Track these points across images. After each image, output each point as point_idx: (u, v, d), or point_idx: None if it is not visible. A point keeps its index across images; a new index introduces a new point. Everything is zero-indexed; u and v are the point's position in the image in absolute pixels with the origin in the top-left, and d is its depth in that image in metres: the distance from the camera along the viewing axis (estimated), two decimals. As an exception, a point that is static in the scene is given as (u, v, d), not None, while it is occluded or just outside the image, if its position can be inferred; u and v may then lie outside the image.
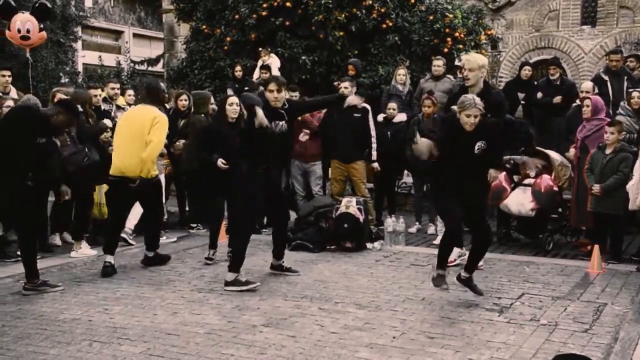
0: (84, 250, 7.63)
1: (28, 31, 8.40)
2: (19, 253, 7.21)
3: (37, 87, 9.94)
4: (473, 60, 6.66)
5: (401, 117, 9.31)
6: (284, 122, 6.38)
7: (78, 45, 18.74)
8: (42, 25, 8.75)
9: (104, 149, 7.85)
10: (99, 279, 6.61)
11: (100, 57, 18.92)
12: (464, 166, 5.61)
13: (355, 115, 8.43)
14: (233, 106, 7.41)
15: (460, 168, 5.61)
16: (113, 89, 9.07)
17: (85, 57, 19.66)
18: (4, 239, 7.38)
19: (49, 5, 9.57)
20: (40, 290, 6.02)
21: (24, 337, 4.86)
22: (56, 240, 8.13)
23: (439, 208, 6.36)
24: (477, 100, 5.54)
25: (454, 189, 5.67)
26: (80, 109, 7.59)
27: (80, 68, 18.98)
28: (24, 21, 8.32)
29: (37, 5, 9.25)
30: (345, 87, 8.38)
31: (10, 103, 7.64)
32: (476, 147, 5.57)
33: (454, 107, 5.68)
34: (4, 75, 8.39)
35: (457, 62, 11.12)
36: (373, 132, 8.68)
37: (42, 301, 5.80)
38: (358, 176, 8.55)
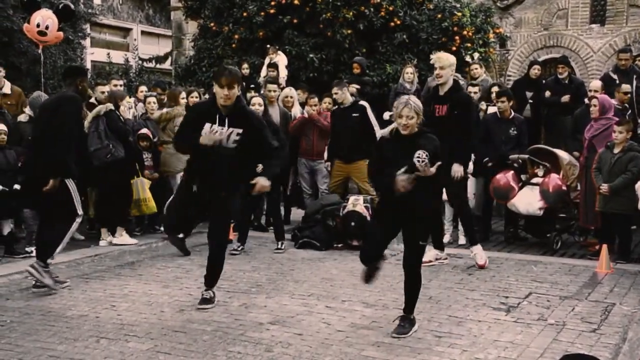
0: (125, 239, 7.88)
1: (47, 27, 8.42)
2: (27, 250, 7.26)
3: (46, 84, 9.93)
4: (444, 59, 6.86)
5: None
6: (238, 129, 5.24)
7: (87, 42, 18.75)
8: (61, 25, 8.78)
9: (133, 147, 8.14)
10: (107, 275, 6.63)
11: (108, 54, 18.95)
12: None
13: (353, 115, 8.34)
14: (255, 106, 7.53)
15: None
16: (116, 85, 9.09)
17: (93, 55, 19.68)
18: (13, 235, 7.41)
19: (73, 7, 9.57)
20: (46, 273, 5.98)
21: (32, 333, 4.88)
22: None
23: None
24: (413, 100, 4.90)
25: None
26: (113, 107, 7.74)
27: (88, 65, 18.99)
28: (45, 17, 8.35)
29: (61, 6, 9.26)
30: (335, 93, 8.32)
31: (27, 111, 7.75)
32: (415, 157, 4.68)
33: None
34: None
35: (467, 59, 11.08)
36: (377, 128, 8.54)
37: (50, 297, 5.82)
38: (359, 175, 8.37)
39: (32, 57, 13.59)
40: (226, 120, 5.22)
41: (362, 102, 8.52)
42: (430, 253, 7.08)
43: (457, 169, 6.83)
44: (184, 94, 9.05)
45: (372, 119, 8.50)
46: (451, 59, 6.94)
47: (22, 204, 7.08)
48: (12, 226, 7.59)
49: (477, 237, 7.23)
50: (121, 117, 7.96)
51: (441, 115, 6.80)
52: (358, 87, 9.74)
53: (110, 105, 7.83)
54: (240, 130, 5.22)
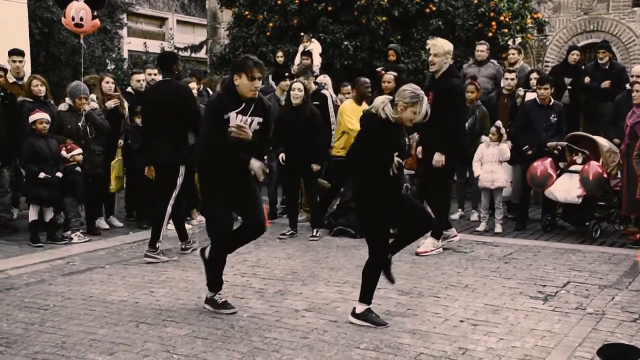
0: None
1: (81, 19, 8.56)
2: (65, 235, 7.43)
3: (84, 74, 10.09)
4: (439, 46, 6.78)
5: None
6: (259, 118, 5.11)
7: (124, 32, 19.00)
8: (95, 13, 8.90)
9: None
10: (144, 262, 6.73)
11: (145, 43, 19.15)
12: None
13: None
14: (295, 91, 7.60)
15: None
16: (150, 74, 9.16)
17: (130, 44, 19.92)
18: (54, 222, 7.57)
19: None
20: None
21: (74, 317, 4.99)
22: (102, 223, 8.30)
23: (378, 235, 4.95)
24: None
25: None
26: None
27: (125, 55, 19.25)
28: (78, 9, 8.50)
29: None
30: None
31: (95, 105, 7.91)
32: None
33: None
34: (14, 61, 8.53)
35: (509, 43, 10.90)
36: (333, 119, 8.61)
37: (91, 283, 5.95)
38: None
39: (72, 47, 13.83)
40: (250, 110, 5.07)
41: (324, 92, 8.68)
42: (427, 242, 7.01)
43: (437, 159, 6.78)
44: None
45: (331, 109, 8.61)
46: (446, 46, 6.82)
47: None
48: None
49: (441, 232, 7.09)
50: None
51: (430, 103, 6.73)
52: (395, 74, 9.69)
53: None
54: (261, 119, 5.11)
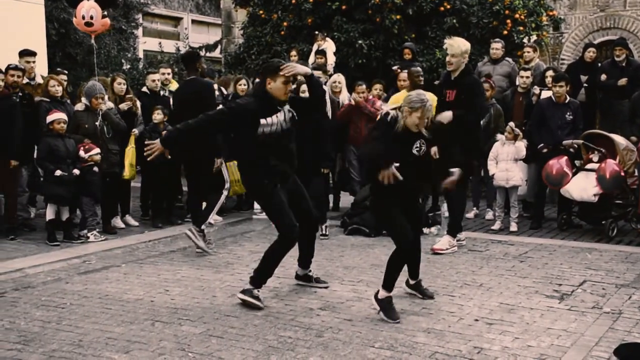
0: (216, 217, 8.17)
1: (92, 18, 8.63)
2: (81, 234, 7.50)
3: (100, 74, 10.17)
4: (457, 46, 6.77)
5: None
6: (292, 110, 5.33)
7: (139, 32, 19.12)
8: (105, 13, 8.96)
9: None
10: (160, 260, 6.77)
11: (160, 43, 19.26)
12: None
13: None
14: (305, 93, 7.60)
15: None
16: (163, 74, 9.22)
17: (145, 44, 20.04)
18: (71, 221, 7.64)
19: None
20: (201, 236, 6.93)
21: (91, 315, 5.03)
22: (118, 222, 8.36)
23: (392, 226, 5.09)
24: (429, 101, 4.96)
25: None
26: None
27: (141, 54, 19.36)
28: (88, 8, 8.55)
29: None
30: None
31: (111, 104, 7.98)
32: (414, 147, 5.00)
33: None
34: (28, 62, 8.61)
35: (524, 40, 10.84)
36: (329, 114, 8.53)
37: (107, 281, 5.99)
38: None
39: (88, 47, 13.94)
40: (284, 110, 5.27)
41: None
42: (443, 240, 7.07)
43: (452, 178, 6.72)
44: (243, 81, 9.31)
45: (328, 104, 8.47)
46: (464, 46, 6.81)
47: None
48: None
49: (457, 230, 7.16)
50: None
51: (450, 101, 6.76)
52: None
53: None
54: (293, 111, 5.29)
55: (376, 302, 5.03)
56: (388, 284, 5.03)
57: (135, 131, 8.27)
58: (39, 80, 8.75)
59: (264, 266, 5.34)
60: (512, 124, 8.20)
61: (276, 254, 5.31)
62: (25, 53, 8.64)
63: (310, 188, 8.24)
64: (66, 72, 9.30)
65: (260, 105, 5.16)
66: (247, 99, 5.61)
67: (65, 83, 8.62)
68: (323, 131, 7.81)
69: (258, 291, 5.27)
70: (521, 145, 8.09)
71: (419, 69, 8.55)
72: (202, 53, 20.17)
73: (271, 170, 5.22)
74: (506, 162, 8.12)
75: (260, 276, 5.33)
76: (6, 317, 5.01)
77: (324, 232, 7.83)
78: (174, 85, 9.64)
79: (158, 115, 8.25)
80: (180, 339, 4.56)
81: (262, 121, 5.12)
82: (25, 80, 8.45)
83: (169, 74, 9.47)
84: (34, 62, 8.67)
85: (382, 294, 5.02)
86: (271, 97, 5.18)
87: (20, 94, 8.03)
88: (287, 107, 5.27)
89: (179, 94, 7.65)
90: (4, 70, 7.85)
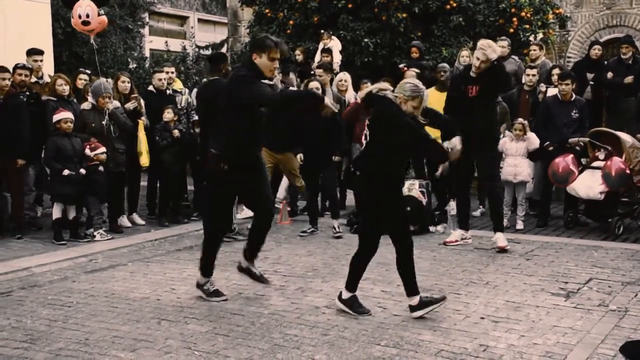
0: (247, 212, 8.14)
1: (87, 16, 8.65)
2: (87, 232, 7.53)
3: (106, 73, 10.19)
4: (489, 53, 6.81)
5: None
6: None
7: (145, 31, 19.15)
8: (101, 11, 8.96)
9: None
10: (166, 259, 6.79)
11: (166, 42, 19.29)
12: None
13: None
14: (341, 81, 7.69)
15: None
16: (167, 73, 9.25)
17: (152, 43, 20.07)
18: (77, 220, 7.67)
19: None
20: None
21: (97, 314, 5.05)
22: (124, 221, 8.39)
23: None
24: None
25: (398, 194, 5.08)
26: None
27: (147, 53, 19.40)
28: (83, 7, 8.56)
29: None
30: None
31: (117, 103, 8.01)
32: None
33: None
34: (35, 60, 8.63)
35: (531, 38, 10.83)
36: None
37: (114, 280, 6.01)
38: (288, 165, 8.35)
39: (94, 46, 13.96)
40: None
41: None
42: (456, 233, 7.26)
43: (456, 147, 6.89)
44: None
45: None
46: (496, 52, 6.88)
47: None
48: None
49: (502, 225, 7.25)
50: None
51: (473, 96, 6.85)
52: (417, 71, 9.66)
53: None
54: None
55: (341, 304, 5.03)
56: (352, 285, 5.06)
57: (144, 119, 8.32)
58: (47, 79, 8.78)
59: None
60: (521, 119, 8.20)
61: None
62: (33, 52, 8.67)
63: (323, 180, 8.28)
64: (88, 71, 9.36)
65: (257, 76, 5.10)
66: (241, 71, 5.24)
67: (86, 82, 8.64)
68: (336, 123, 7.80)
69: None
70: (533, 136, 8.10)
71: (444, 65, 8.66)
72: (209, 52, 20.19)
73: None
74: (515, 158, 8.13)
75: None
76: (13, 315, 5.04)
77: (337, 230, 7.82)
78: (177, 84, 9.67)
79: (168, 114, 8.29)
80: (186, 337, 4.58)
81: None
82: (34, 79, 8.48)
83: (172, 72, 9.52)
84: (41, 60, 8.70)
85: (346, 294, 5.04)
86: (260, 71, 5.10)
87: (27, 93, 8.07)
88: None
89: (201, 94, 7.70)
90: (11, 69, 7.89)
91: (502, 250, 6.91)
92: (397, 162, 4.92)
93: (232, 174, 5.14)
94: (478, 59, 6.77)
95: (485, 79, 6.83)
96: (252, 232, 5.47)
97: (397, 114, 4.80)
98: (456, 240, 7.22)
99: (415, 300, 4.93)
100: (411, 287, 4.96)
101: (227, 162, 5.10)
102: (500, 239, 7.01)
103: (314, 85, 7.88)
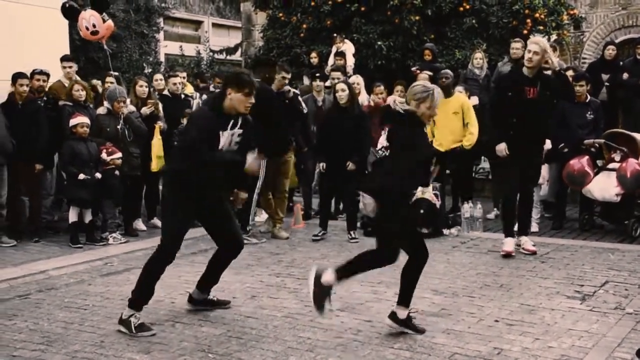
0: (264, 216, 8.47)
1: (94, 26, 8.72)
2: (103, 236, 7.59)
3: (122, 77, 10.28)
4: (542, 46, 6.64)
5: (474, 100, 9.17)
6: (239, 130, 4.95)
7: (160, 36, 19.29)
8: (106, 17, 9.02)
9: None
10: (181, 262, 6.81)
11: (181, 47, 19.45)
12: None
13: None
14: (339, 92, 7.66)
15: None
16: (179, 76, 9.31)
17: (167, 48, 20.21)
18: (93, 223, 7.73)
19: None
20: None
21: (112, 316, 5.09)
22: (140, 225, 8.44)
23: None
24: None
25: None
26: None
27: (162, 58, 19.54)
28: (87, 18, 8.64)
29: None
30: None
31: (132, 108, 8.07)
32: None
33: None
34: (64, 67, 8.70)
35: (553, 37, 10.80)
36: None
37: (129, 283, 6.03)
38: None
39: (110, 52, 14.08)
40: (237, 124, 4.94)
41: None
42: (509, 242, 6.92)
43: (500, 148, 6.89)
44: None
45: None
46: (545, 44, 6.81)
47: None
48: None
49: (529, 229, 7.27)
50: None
51: (533, 98, 6.71)
52: (430, 74, 9.66)
53: None
54: (241, 130, 4.96)
55: (395, 324, 4.71)
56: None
57: (160, 123, 8.36)
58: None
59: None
60: None
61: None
62: (65, 59, 8.81)
63: (347, 188, 8.22)
64: (116, 73, 9.46)
65: (219, 119, 4.85)
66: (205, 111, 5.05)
67: (113, 84, 8.70)
68: (362, 128, 7.77)
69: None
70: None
71: (446, 70, 8.62)
72: (223, 56, 20.29)
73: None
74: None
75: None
76: (30, 318, 5.09)
77: (353, 236, 7.81)
78: (189, 89, 9.75)
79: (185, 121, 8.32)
80: (200, 340, 4.60)
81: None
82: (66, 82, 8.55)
83: (183, 77, 9.64)
84: (70, 67, 8.78)
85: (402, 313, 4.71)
86: (226, 110, 4.85)
87: (45, 98, 8.16)
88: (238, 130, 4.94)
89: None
90: (29, 75, 7.97)
91: (533, 253, 6.87)
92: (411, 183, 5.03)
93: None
94: (530, 51, 6.63)
95: (547, 84, 6.72)
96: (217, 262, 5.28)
97: (412, 144, 4.74)
98: (533, 245, 6.97)
99: (402, 313, 4.68)
100: (405, 297, 4.72)
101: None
102: (528, 242, 6.99)
103: (340, 87, 7.83)
